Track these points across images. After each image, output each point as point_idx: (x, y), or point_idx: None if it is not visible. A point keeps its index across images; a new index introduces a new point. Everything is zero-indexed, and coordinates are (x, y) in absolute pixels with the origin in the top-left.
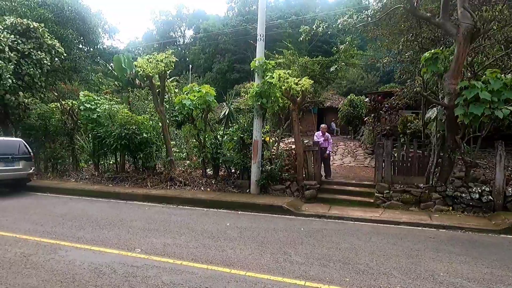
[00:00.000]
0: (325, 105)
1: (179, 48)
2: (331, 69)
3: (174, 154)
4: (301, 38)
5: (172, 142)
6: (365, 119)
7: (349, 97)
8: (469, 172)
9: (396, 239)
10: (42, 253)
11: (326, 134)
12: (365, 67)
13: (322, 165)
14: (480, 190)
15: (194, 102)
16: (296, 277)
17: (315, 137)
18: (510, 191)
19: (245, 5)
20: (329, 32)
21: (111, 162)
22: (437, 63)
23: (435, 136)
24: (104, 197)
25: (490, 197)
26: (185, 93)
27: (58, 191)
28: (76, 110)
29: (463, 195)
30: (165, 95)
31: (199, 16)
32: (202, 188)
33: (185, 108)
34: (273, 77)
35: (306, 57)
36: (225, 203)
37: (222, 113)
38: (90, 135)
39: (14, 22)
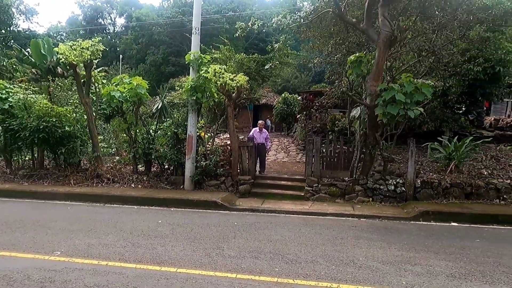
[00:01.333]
0: (260, 102)
1: (109, 37)
2: (266, 67)
3: (102, 149)
4: (237, 34)
5: (100, 137)
6: (297, 117)
7: (283, 95)
8: (387, 166)
9: (323, 229)
10: None
11: (263, 130)
12: (299, 67)
13: (258, 160)
14: (395, 182)
15: (124, 95)
16: (228, 271)
17: (252, 133)
18: (419, 183)
19: None
20: (264, 31)
21: (27, 158)
22: (361, 66)
23: (358, 133)
24: (18, 197)
25: (403, 188)
26: (114, 84)
27: None
28: None
29: (381, 187)
30: (92, 86)
31: (131, 3)
32: (133, 185)
33: (114, 101)
34: (208, 72)
35: (242, 54)
36: (158, 200)
37: (155, 107)
38: (0, 128)
39: None
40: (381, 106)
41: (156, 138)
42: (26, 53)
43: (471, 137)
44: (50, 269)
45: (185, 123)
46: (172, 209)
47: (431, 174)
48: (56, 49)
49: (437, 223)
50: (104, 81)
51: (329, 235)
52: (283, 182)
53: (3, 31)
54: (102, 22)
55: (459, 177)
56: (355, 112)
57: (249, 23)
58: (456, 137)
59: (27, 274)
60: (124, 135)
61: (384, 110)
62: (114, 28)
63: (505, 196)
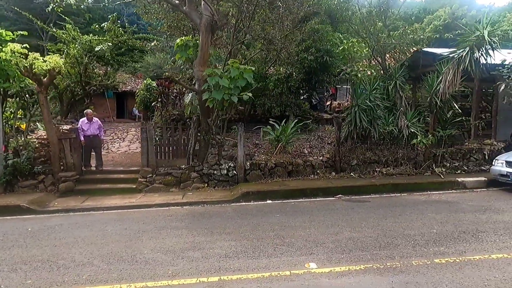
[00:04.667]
0: (124, 89)
1: None
2: (97, 49)
3: None
4: (50, 9)
5: None
6: (152, 104)
7: (145, 81)
8: (221, 151)
9: (132, 224)
10: None
11: (94, 119)
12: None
13: (93, 154)
14: (227, 166)
15: None
16: None
17: (79, 124)
18: (249, 165)
19: None
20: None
21: None
22: (188, 50)
23: (192, 120)
24: None
25: (234, 171)
26: None
27: None
28: None
29: (215, 172)
30: None
31: None
32: None
33: None
34: (4, 51)
35: (90, 35)
36: None
37: None
38: None
39: None
40: (208, 92)
41: None
42: None
43: (296, 120)
44: None
45: None
46: None
47: (262, 156)
48: None
49: (255, 202)
50: None
51: (133, 229)
52: (115, 176)
53: None
54: None
55: (283, 157)
56: (187, 98)
57: None
58: (294, 121)
59: None
60: None
61: (209, 95)
62: None
63: (318, 171)
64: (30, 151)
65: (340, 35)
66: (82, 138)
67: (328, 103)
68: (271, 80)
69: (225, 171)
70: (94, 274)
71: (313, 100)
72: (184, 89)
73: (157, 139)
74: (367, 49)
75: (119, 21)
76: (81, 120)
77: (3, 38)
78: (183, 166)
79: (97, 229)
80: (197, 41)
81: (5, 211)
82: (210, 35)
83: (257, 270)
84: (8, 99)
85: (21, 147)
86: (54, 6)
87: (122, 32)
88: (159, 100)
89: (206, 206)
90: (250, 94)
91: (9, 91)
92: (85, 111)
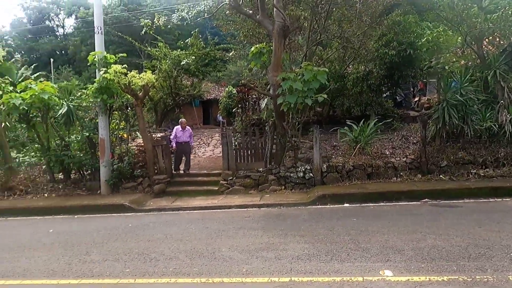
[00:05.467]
0: (208, 97)
1: (58, 39)
2: (182, 63)
3: (33, 158)
4: (142, 33)
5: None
6: (233, 110)
7: (227, 89)
8: (297, 154)
9: (213, 224)
10: None
11: (187, 128)
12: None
13: (184, 158)
14: (303, 169)
15: (27, 101)
16: (75, 277)
17: (174, 131)
18: (325, 167)
19: None
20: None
21: None
22: (261, 57)
23: (268, 124)
24: None
25: (311, 174)
26: (19, 91)
27: None
28: None
29: (292, 174)
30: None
31: (79, 3)
32: (46, 195)
33: (16, 109)
34: (109, 72)
35: (179, 50)
36: (64, 209)
37: (60, 111)
38: None
39: None
40: (282, 96)
41: (70, 144)
42: None
43: (376, 119)
44: None
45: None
46: (76, 216)
47: (340, 158)
48: None
49: (332, 205)
50: (11, 88)
51: (213, 229)
52: (199, 178)
53: None
54: (50, 24)
55: (361, 158)
56: (263, 102)
57: (155, 20)
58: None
59: None
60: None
61: (284, 99)
62: (63, 30)
63: (401, 174)
64: (130, 157)
65: (429, 24)
66: (174, 145)
67: (416, 99)
68: (349, 79)
69: (302, 174)
70: (179, 268)
71: (397, 97)
72: (259, 93)
73: (236, 143)
74: (458, 37)
75: (200, 36)
76: (175, 127)
77: (108, 61)
78: (261, 169)
79: (183, 227)
80: (271, 47)
81: (112, 209)
82: (283, 40)
83: (328, 274)
84: (113, 112)
85: (123, 154)
86: (147, 29)
87: (204, 45)
88: (239, 106)
89: (282, 208)
90: (325, 96)
91: (114, 105)
92: (180, 120)
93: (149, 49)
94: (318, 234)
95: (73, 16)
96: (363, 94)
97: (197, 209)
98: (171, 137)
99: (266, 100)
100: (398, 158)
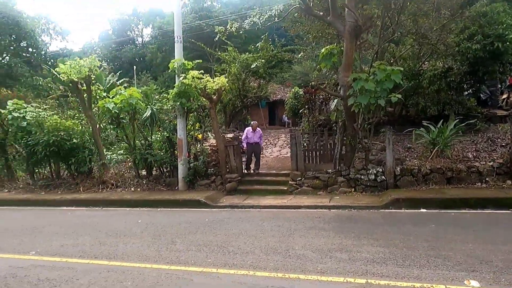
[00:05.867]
0: (274, 98)
1: (137, 47)
2: (252, 66)
3: (119, 156)
4: (216, 39)
5: (114, 146)
6: (300, 111)
7: (293, 90)
8: (368, 156)
9: (284, 222)
10: None
11: (257, 129)
12: (316, 60)
13: (254, 158)
14: (375, 172)
15: (118, 106)
16: (165, 263)
17: (245, 133)
18: (399, 170)
19: (198, 2)
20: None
21: (47, 170)
22: (332, 58)
23: (338, 125)
24: (32, 205)
25: (383, 177)
26: (111, 96)
27: None
28: (5, 119)
29: (362, 176)
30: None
31: (156, 13)
32: (133, 189)
33: (110, 112)
34: (187, 78)
35: (247, 53)
36: (149, 202)
37: (145, 114)
38: (22, 144)
39: None
40: (353, 97)
41: (152, 143)
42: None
43: (457, 120)
44: (18, 266)
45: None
46: (159, 209)
47: (415, 161)
48: (57, 69)
49: (407, 210)
50: (104, 94)
51: (285, 227)
52: (269, 178)
53: (35, 54)
54: (131, 34)
55: (440, 162)
56: (332, 103)
57: (228, 26)
58: (454, 121)
59: None
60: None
61: (355, 100)
62: (142, 39)
63: (487, 179)
64: (205, 156)
65: None
66: (245, 145)
67: (504, 96)
68: (425, 77)
69: (373, 176)
70: (256, 262)
71: (481, 95)
72: (329, 95)
73: (304, 144)
74: None
75: (270, 38)
76: (246, 129)
77: (186, 67)
78: (330, 170)
79: (256, 224)
80: (341, 48)
81: (189, 204)
82: (355, 40)
83: (407, 279)
84: (189, 114)
85: (198, 153)
86: (220, 35)
87: (273, 48)
88: (306, 106)
89: (353, 211)
90: (399, 96)
91: (191, 108)
92: (251, 123)
93: (219, 53)
94: (393, 238)
95: (150, 26)
96: (441, 93)
97: (267, 207)
98: (242, 138)
99: (335, 101)
100: (483, 162)
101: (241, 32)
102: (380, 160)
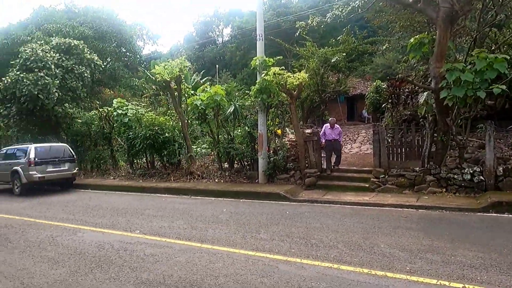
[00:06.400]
0: (353, 93)
1: (218, 47)
2: (333, 60)
3: (203, 150)
4: (297, 34)
5: (199, 140)
6: (382, 106)
7: (374, 83)
8: (463, 154)
9: (367, 219)
10: (65, 235)
11: (336, 126)
12: (402, 51)
13: (334, 155)
14: (471, 171)
15: (204, 102)
16: (251, 249)
17: (323, 129)
18: (501, 171)
19: None
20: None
21: (144, 161)
22: (422, 48)
23: (428, 120)
24: (132, 191)
25: (481, 177)
26: (198, 94)
27: (98, 187)
28: (111, 115)
29: (455, 176)
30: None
31: (235, 14)
32: (216, 180)
33: (197, 109)
34: (268, 74)
35: (326, 47)
36: (231, 193)
37: (229, 110)
38: (124, 137)
39: (58, 42)
40: (446, 89)
41: (235, 138)
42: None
43: None
44: (127, 242)
45: (257, 122)
46: (241, 200)
47: None
48: (153, 70)
49: (510, 215)
50: (192, 92)
51: (368, 224)
52: (349, 174)
53: (132, 58)
54: (212, 35)
55: None
56: (422, 97)
57: (309, 21)
58: None
59: (112, 244)
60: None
61: (449, 93)
62: (222, 39)
63: None
64: (284, 151)
65: None
66: (323, 141)
67: None
68: None
69: (469, 176)
70: (339, 256)
71: None
72: (416, 88)
73: (388, 140)
74: None
75: (352, 31)
76: (325, 125)
77: (267, 64)
78: (417, 168)
79: (337, 220)
80: (433, 37)
81: (269, 197)
82: (449, 27)
83: None
84: (269, 110)
85: (278, 148)
86: (301, 30)
87: (354, 40)
88: (390, 101)
89: (444, 212)
90: (504, 87)
91: (271, 104)
92: (329, 119)
93: (297, 49)
94: (494, 244)
95: (230, 26)
96: None
97: (348, 204)
98: (320, 134)
99: (425, 94)
100: None
101: (322, 26)
102: (477, 159)
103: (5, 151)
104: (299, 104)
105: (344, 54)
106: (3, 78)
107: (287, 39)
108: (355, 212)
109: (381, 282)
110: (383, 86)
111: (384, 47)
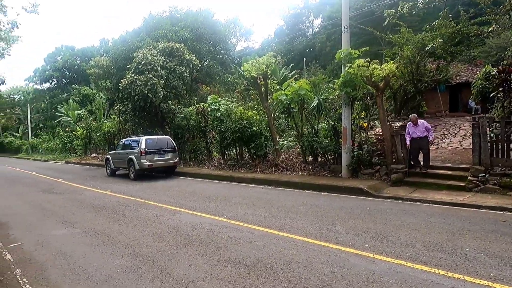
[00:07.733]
0: (458, 81)
1: (308, 39)
2: (427, 48)
3: (289, 143)
4: (385, 23)
5: (285, 133)
6: (491, 95)
7: (483, 69)
8: None
9: (456, 221)
10: (166, 215)
11: (420, 122)
12: None
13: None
14: None
15: (289, 97)
16: (325, 241)
17: (407, 128)
18: None
19: None
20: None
21: (234, 152)
22: None
23: None
24: (223, 180)
25: None
26: (284, 89)
27: (194, 175)
28: (206, 110)
29: None
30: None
31: (325, 3)
32: (300, 173)
33: (282, 103)
34: (352, 67)
35: (423, 32)
36: (313, 186)
37: (312, 104)
38: (217, 130)
39: (163, 46)
40: None
41: (319, 131)
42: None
43: None
44: (215, 225)
45: (341, 116)
46: (322, 193)
47: None
48: (242, 67)
49: None
50: (278, 87)
51: (456, 226)
52: (442, 172)
53: (226, 55)
54: (302, 27)
55: None
56: None
57: (399, 8)
58: None
59: (202, 225)
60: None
61: None
62: (312, 30)
63: None
64: (369, 145)
65: None
66: (408, 142)
67: None
68: None
69: None
70: (415, 255)
71: None
72: None
73: (492, 135)
74: None
75: (450, 15)
76: (408, 124)
77: (352, 56)
78: None
79: (421, 219)
80: None
81: (351, 191)
82: None
83: None
84: (354, 103)
85: (363, 142)
86: (389, 18)
87: (454, 24)
88: (500, 89)
89: None
90: None
91: (356, 97)
92: (410, 116)
93: (390, 36)
94: None
95: (320, 16)
96: None
97: (438, 203)
98: (405, 133)
99: None
100: None
101: (413, 12)
102: None
103: (123, 142)
104: (391, 95)
105: (441, 40)
106: (122, 80)
107: (380, 27)
108: (443, 212)
109: (456, 285)
110: (493, 72)
111: (490, 28)
